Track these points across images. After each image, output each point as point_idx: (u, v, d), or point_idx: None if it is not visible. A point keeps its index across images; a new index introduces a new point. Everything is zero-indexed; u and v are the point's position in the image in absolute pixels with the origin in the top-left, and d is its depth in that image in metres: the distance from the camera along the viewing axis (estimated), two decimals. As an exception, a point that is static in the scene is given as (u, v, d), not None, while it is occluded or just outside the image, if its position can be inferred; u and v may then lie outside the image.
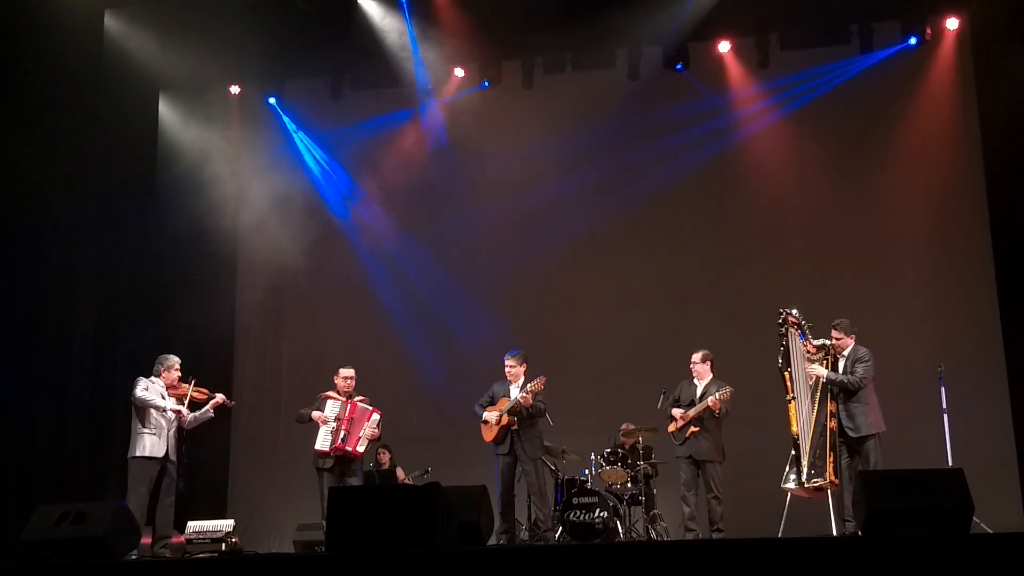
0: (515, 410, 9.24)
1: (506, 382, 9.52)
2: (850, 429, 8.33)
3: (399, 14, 11.92)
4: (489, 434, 9.39)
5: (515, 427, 9.26)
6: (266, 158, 12.74)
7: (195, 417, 8.95)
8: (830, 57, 11.90)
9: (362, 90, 12.87)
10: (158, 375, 8.86)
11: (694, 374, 9.43)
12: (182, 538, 9.46)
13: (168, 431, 8.70)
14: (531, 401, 9.16)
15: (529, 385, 9.22)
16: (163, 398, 8.77)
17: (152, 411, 8.66)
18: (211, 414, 9.05)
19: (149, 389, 8.71)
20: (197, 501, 10.85)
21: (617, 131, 12.23)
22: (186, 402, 8.85)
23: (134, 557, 7.55)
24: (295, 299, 12.93)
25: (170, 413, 8.72)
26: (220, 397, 9.08)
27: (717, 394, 9.08)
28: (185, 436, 9.02)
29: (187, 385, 8.92)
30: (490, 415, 9.34)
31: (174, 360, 8.95)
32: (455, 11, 11.67)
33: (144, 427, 8.64)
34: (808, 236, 11.84)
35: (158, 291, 11.92)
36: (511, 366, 9.48)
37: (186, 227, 12.04)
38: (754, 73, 12.08)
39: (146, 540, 8.64)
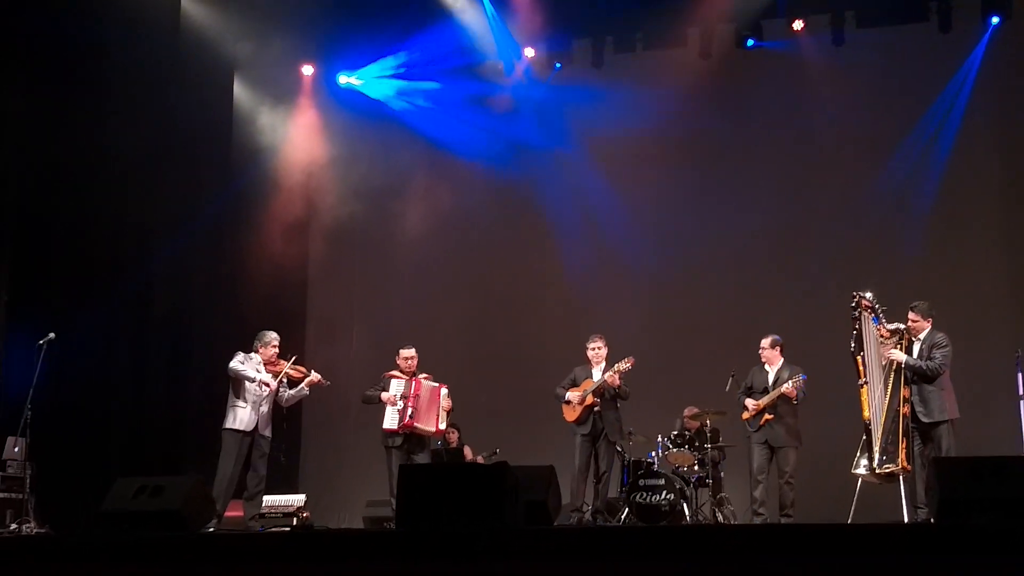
0: (600, 390, 9.29)
1: (587, 365, 9.57)
2: (922, 414, 8.17)
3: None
4: (572, 414, 9.45)
5: (597, 408, 9.33)
6: (338, 133, 12.86)
7: (291, 395, 9.08)
8: (907, 36, 11.67)
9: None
10: (256, 351, 8.99)
11: (763, 360, 9.36)
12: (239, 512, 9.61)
13: (261, 405, 8.81)
14: (619, 381, 9.20)
15: (617, 364, 9.27)
16: (258, 372, 8.88)
17: (247, 384, 8.79)
18: (306, 392, 9.14)
19: (245, 363, 8.85)
20: (269, 476, 11.04)
21: (689, 110, 12.12)
22: (279, 378, 8.93)
23: (211, 530, 7.71)
24: (366, 273, 13.05)
25: (257, 384, 8.80)
26: (316, 376, 9.12)
27: (791, 383, 9.00)
28: (284, 413, 9.13)
29: (285, 362, 9.01)
30: (574, 395, 9.41)
31: (272, 336, 9.04)
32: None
33: (238, 399, 8.78)
34: (882, 218, 11.63)
35: (232, 269, 12.11)
36: (598, 347, 9.53)
37: (260, 206, 12.23)
38: (829, 51, 11.86)
39: (238, 513, 8.81)
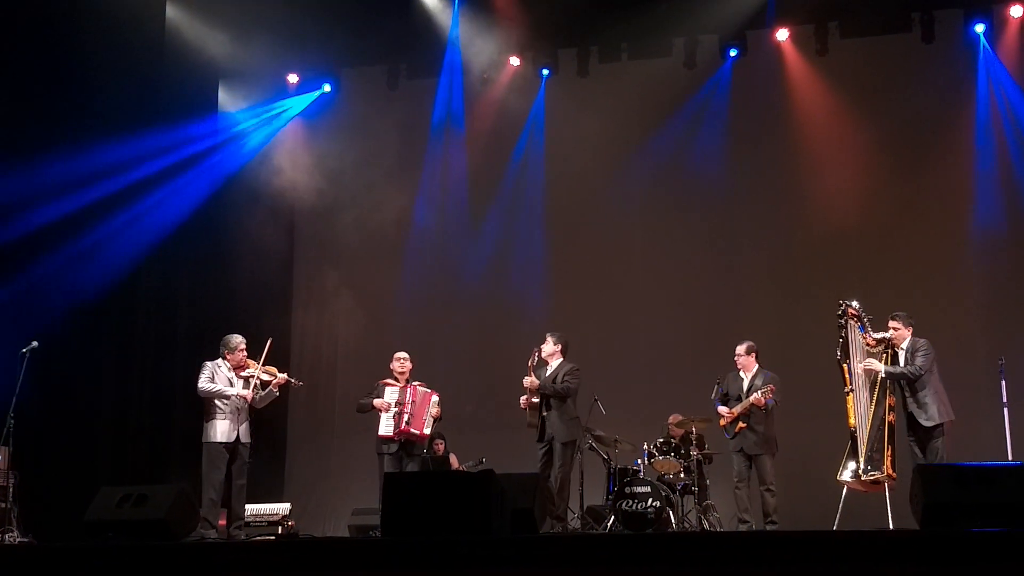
0: (532, 393, 9.14)
1: (544, 365, 9.46)
2: (924, 418, 8.22)
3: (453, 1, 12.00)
4: (529, 417, 9.24)
5: (545, 413, 9.11)
6: (321, 138, 12.86)
7: (262, 396, 8.94)
8: (891, 46, 11.73)
9: (418, 79, 12.90)
10: (223, 358, 8.90)
11: (739, 366, 9.38)
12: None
13: (238, 415, 8.75)
14: (527, 383, 9.08)
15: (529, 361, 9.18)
16: (231, 382, 8.81)
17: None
18: (276, 393, 9.04)
19: (214, 377, 8.76)
20: (254, 484, 11.01)
21: (673, 120, 12.18)
22: (253, 382, 8.83)
23: (212, 538, 7.70)
24: (351, 282, 12.99)
25: (236, 399, 8.76)
26: (283, 377, 9.04)
27: (759, 392, 9.02)
28: (253, 417, 9.02)
29: (254, 362, 8.92)
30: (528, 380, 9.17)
31: (238, 340, 8.94)
32: (510, -1, 11.71)
33: (214, 413, 8.71)
34: (867, 227, 11.66)
35: (217, 274, 12.07)
36: (544, 347, 9.41)
37: (245, 210, 12.22)
38: (813, 62, 11.93)
39: (220, 522, 8.78)
